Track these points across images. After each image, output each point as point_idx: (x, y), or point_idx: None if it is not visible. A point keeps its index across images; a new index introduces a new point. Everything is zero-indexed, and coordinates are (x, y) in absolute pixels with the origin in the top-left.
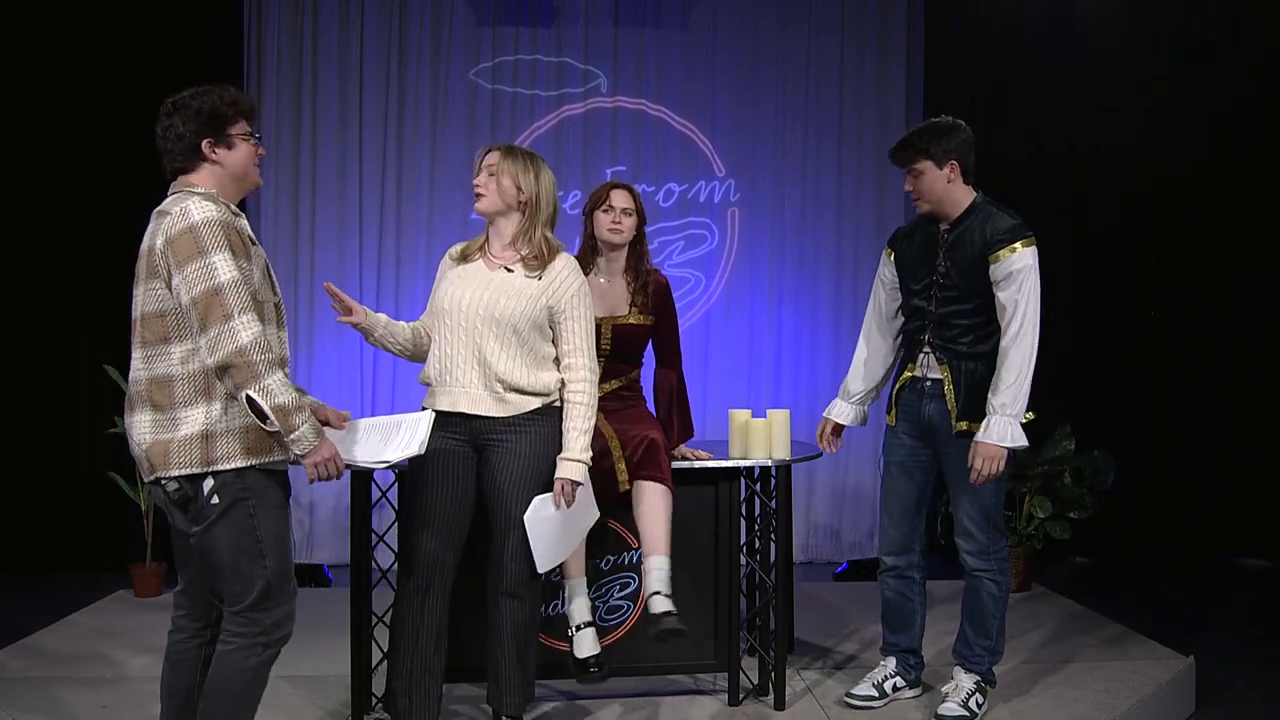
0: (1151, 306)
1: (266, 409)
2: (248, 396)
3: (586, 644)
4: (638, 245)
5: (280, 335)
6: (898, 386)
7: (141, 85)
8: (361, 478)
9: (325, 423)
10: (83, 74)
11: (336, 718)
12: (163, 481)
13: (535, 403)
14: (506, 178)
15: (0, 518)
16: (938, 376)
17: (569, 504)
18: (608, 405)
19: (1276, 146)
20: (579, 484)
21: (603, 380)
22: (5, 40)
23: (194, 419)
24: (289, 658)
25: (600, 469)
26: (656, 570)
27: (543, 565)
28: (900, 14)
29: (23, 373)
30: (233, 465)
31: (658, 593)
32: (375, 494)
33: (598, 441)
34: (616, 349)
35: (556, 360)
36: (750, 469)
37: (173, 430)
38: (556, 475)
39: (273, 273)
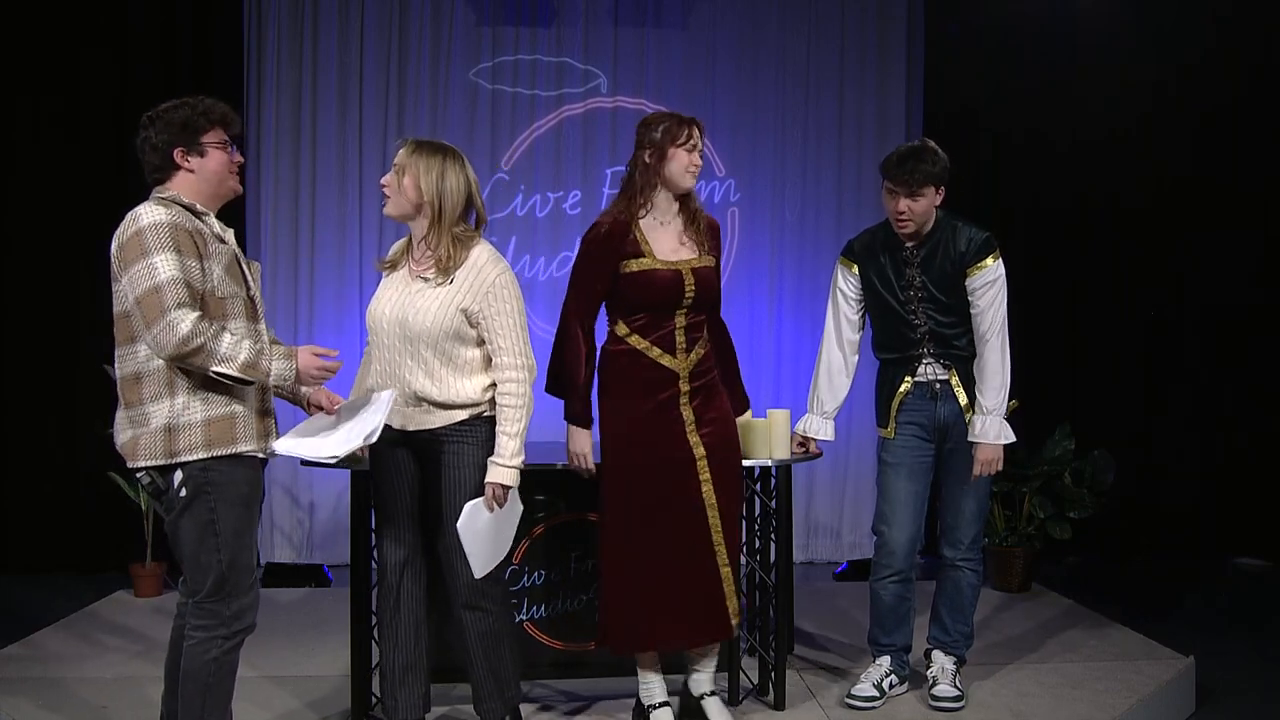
0: (1151, 306)
1: (237, 375)
2: (216, 374)
3: (714, 712)
4: None
5: (254, 328)
6: (898, 400)
7: (141, 85)
8: (362, 477)
9: (318, 406)
10: (83, 72)
11: (337, 718)
12: (138, 474)
13: (462, 414)
14: (408, 177)
15: (0, 518)
16: (945, 378)
17: (500, 507)
18: (695, 386)
19: (1275, 145)
20: (509, 488)
21: (690, 347)
22: (5, 38)
23: (160, 413)
24: (289, 658)
25: (686, 475)
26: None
27: (479, 570)
28: (900, 14)
29: (23, 373)
30: (195, 456)
31: (712, 694)
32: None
33: (680, 450)
34: (700, 297)
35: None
36: (750, 469)
37: (143, 425)
38: (487, 479)
39: (245, 267)
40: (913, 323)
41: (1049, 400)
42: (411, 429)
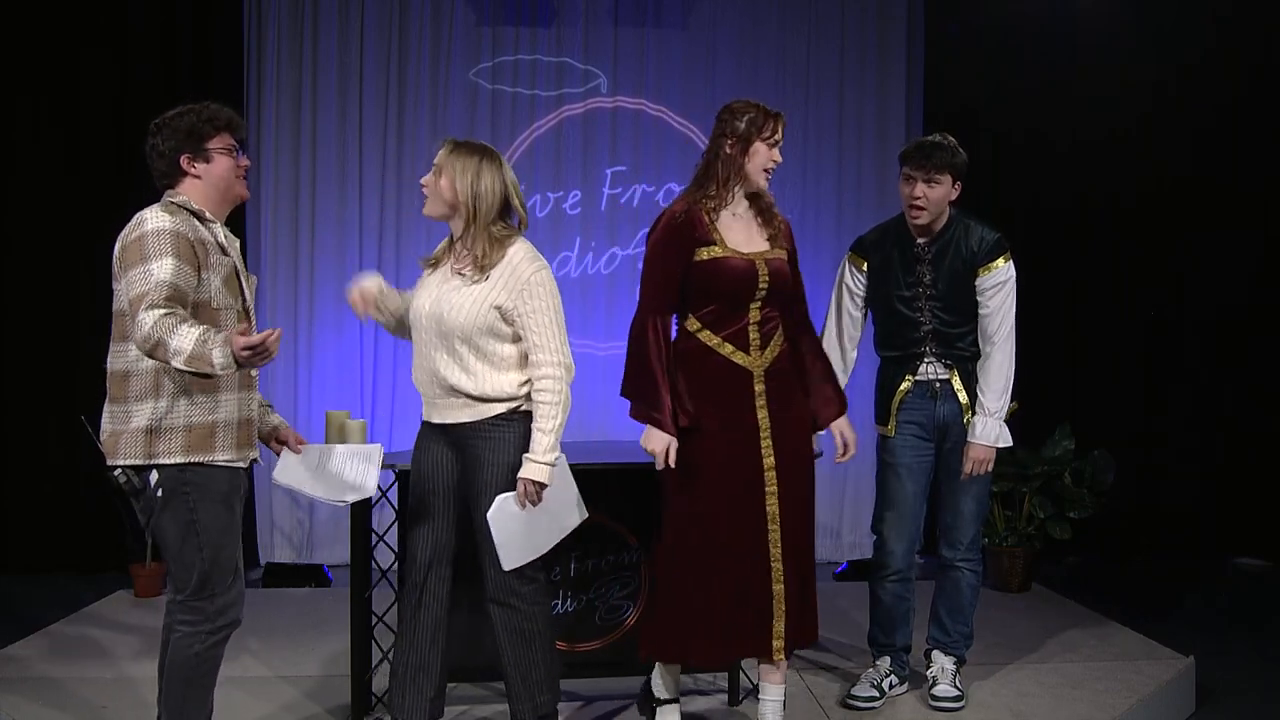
0: (1151, 306)
1: (185, 368)
2: (177, 368)
3: None
4: None
5: None
6: (898, 399)
7: (141, 85)
8: None
9: (283, 443)
10: (83, 72)
11: (337, 717)
12: (115, 472)
13: (500, 408)
14: (445, 177)
15: (0, 518)
16: (946, 377)
17: (534, 504)
18: (771, 386)
19: (1276, 145)
20: (543, 485)
21: (765, 343)
22: (5, 38)
23: (143, 413)
24: (289, 658)
25: (752, 485)
26: (772, 701)
27: (508, 563)
28: (900, 14)
29: (23, 372)
30: (173, 460)
31: None
32: (375, 494)
33: (750, 458)
34: (774, 289)
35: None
36: None
37: (125, 422)
38: (520, 475)
39: (243, 279)
40: (917, 321)
41: (1049, 400)
42: (449, 422)
